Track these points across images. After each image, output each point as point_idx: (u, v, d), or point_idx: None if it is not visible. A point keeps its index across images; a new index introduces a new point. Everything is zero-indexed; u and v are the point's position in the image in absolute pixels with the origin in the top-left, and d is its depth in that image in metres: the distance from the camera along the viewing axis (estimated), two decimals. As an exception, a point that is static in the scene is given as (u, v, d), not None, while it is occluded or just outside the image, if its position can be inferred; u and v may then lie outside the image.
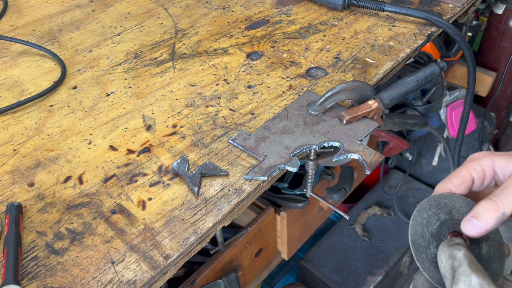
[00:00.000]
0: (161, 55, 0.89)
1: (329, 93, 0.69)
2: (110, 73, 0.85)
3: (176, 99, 0.78)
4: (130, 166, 0.67)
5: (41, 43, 0.94)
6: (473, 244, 0.43)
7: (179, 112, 0.76)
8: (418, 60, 1.34)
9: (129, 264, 0.55)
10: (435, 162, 1.63)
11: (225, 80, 0.82)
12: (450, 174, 0.46)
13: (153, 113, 0.76)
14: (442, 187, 0.46)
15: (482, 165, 0.44)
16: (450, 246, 0.41)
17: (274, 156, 0.65)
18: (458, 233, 0.44)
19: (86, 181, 0.65)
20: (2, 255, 0.56)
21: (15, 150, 0.71)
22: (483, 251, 0.43)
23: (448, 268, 0.40)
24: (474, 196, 0.46)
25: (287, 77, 0.81)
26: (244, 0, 1.04)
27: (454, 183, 0.45)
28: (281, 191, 1.11)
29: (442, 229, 0.44)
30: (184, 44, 0.92)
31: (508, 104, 1.70)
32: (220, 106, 0.76)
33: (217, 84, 0.81)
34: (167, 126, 0.73)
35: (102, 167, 0.67)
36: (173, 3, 1.05)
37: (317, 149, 0.67)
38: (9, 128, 0.75)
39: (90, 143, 0.71)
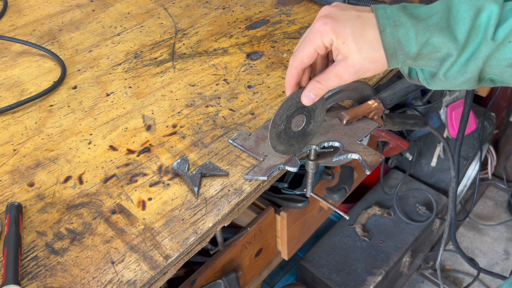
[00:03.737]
0: (161, 55, 0.89)
1: (329, 93, 0.69)
2: (110, 73, 0.85)
3: (176, 99, 0.78)
4: (130, 166, 0.67)
5: (41, 43, 0.94)
6: (311, 111, 0.62)
7: (179, 112, 0.76)
8: (418, 60, 1.34)
9: (129, 264, 0.55)
10: (433, 163, 1.62)
11: (225, 80, 0.82)
12: (299, 51, 0.54)
13: (153, 113, 0.76)
14: (295, 65, 0.55)
15: (325, 43, 0.52)
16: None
17: (274, 156, 0.65)
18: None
19: (86, 181, 0.65)
20: (2, 255, 0.56)
21: (15, 150, 0.71)
22: (316, 113, 0.63)
23: None
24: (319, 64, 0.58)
25: (287, 77, 0.81)
26: (244, 0, 1.04)
27: (304, 62, 0.55)
28: (281, 191, 1.10)
29: (295, 113, 0.61)
30: (184, 44, 0.92)
31: (508, 104, 1.70)
32: (220, 106, 0.76)
33: (217, 84, 0.81)
34: (167, 126, 0.73)
35: (102, 167, 0.67)
36: (173, 3, 1.05)
37: (317, 149, 0.67)
38: (9, 128, 0.75)
39: (90, 143, 0.71)
